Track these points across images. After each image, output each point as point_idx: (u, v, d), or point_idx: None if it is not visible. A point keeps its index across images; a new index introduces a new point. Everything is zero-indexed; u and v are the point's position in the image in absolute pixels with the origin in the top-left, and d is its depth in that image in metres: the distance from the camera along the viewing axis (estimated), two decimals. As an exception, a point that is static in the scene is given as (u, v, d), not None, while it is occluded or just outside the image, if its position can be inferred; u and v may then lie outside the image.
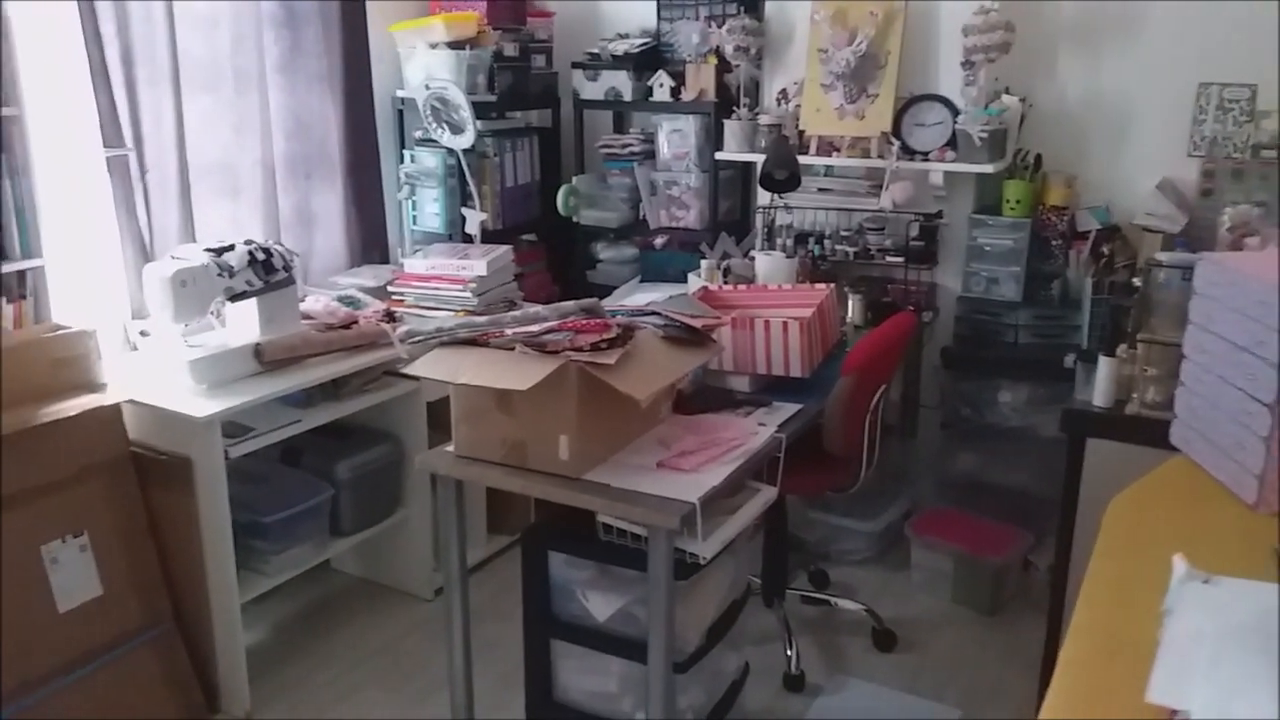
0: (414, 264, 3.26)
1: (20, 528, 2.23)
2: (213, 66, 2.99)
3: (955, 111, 3.11)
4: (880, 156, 3.21)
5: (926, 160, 3.16)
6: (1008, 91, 3.18)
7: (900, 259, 3.26)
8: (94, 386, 2.40)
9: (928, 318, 3.24)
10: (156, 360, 2.58)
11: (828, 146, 3.31)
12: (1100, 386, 2.22)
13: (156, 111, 2.81)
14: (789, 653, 2.72)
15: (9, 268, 2.41)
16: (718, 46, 3.48)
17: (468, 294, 3.18)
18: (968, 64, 3.07)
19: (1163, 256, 2.34)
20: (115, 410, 2.40)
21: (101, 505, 2.38)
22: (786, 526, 2.94)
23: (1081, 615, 1.21)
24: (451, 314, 3.15)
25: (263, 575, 2.66)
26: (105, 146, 2.66)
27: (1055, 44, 3.20)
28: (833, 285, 2.74)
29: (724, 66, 3.52)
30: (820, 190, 3.40)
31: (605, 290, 3.61)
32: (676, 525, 1.85)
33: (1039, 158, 3.22)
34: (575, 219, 3.79)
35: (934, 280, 3.33)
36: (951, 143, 3.11)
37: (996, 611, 3.03)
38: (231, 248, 2.57)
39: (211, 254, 2.51)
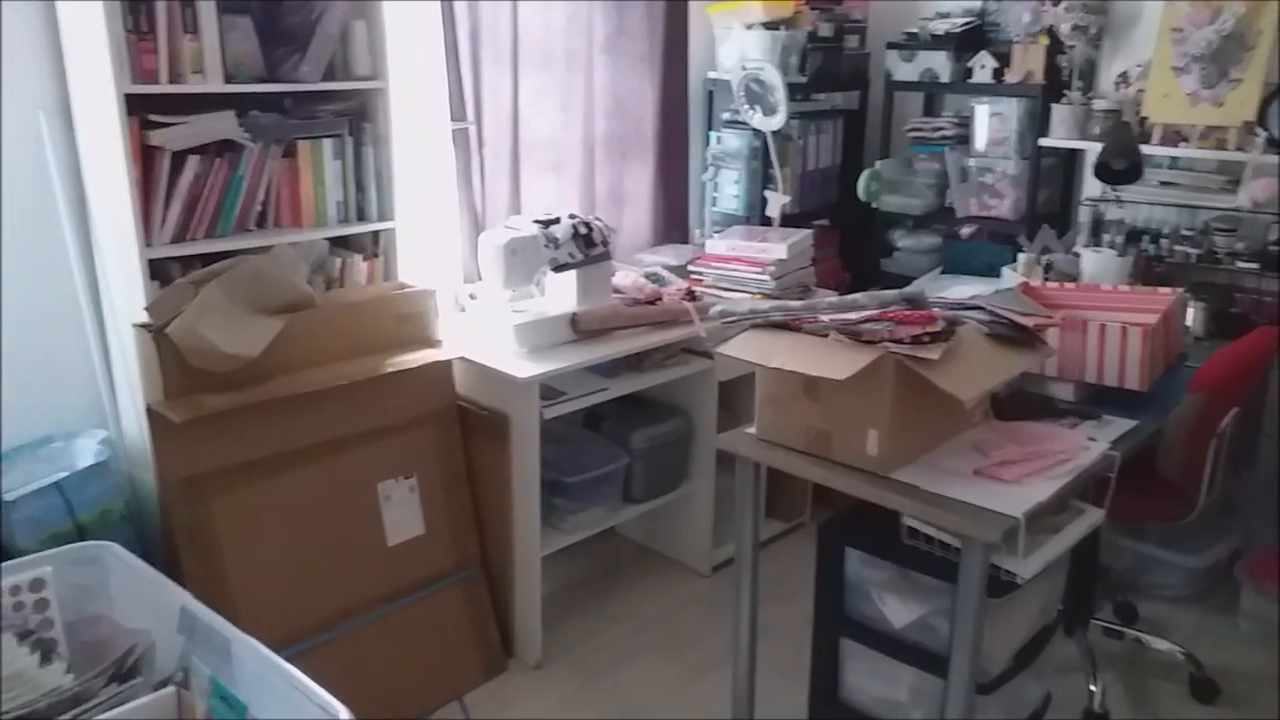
0: (715, 245, 3.29)
1: (362, 464, 2.47)
2: (546, 46, 3.15)
3: (1340, 100, 2.73)
4: (1240, 149, 2.87)
5: (1297, 155, 2.80)
6: None
7: (1254, 265, 2.91)
8: (431, 342, 2.61)
9: (1283, 333, 2.87)
10: (483, 322, 2.76)
11: (1174, 136, 3.01)
12: None
13: (496, 88, 3.00)
14: (1092, 688, 2.51)
15: (368, 228, 2.65)
16: (1051, 25, 3.24)
17: (765, 277, 3.16)
18: (1362, 45, 2.68)
19: None
20: (447, 366, 2.60)
21: (429, 452, 2.58)
22: (1098, 551, 2.71)
23: None
24: (748, 296, 3.15)
25: (560, 532, 2.80)
26: (451, 120, 2.87)
27: None
28: (1180, 290, 2.48)
29: (1055, 47, 3.27)
30: (1162, 184, 3.09)
31: (901, 280, 3.46)
32: (997, 539, 1.75)
33: None
34: (874, 205, 3.67)
35: (1292, 292, 2.95)
36: (1332, 136, 2.74)
37: (1344, 677, 2.65)
38: (557, 221, 2.70)
39: (540, 225, 2.66)
